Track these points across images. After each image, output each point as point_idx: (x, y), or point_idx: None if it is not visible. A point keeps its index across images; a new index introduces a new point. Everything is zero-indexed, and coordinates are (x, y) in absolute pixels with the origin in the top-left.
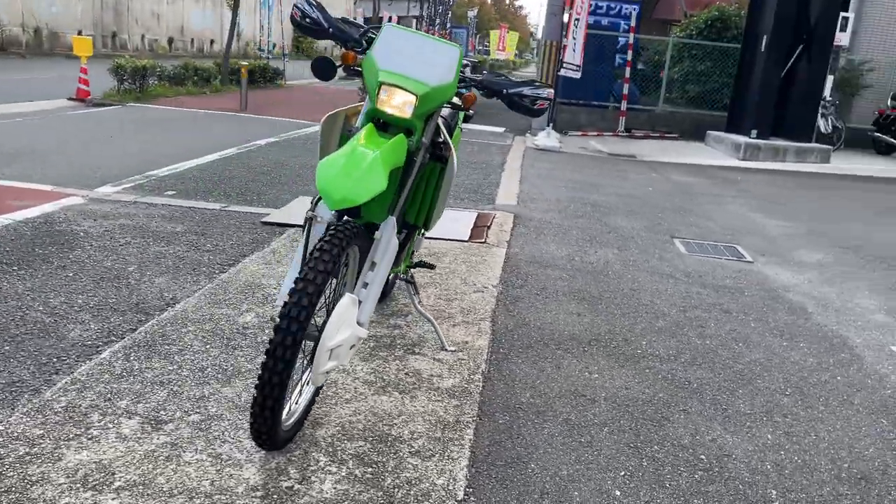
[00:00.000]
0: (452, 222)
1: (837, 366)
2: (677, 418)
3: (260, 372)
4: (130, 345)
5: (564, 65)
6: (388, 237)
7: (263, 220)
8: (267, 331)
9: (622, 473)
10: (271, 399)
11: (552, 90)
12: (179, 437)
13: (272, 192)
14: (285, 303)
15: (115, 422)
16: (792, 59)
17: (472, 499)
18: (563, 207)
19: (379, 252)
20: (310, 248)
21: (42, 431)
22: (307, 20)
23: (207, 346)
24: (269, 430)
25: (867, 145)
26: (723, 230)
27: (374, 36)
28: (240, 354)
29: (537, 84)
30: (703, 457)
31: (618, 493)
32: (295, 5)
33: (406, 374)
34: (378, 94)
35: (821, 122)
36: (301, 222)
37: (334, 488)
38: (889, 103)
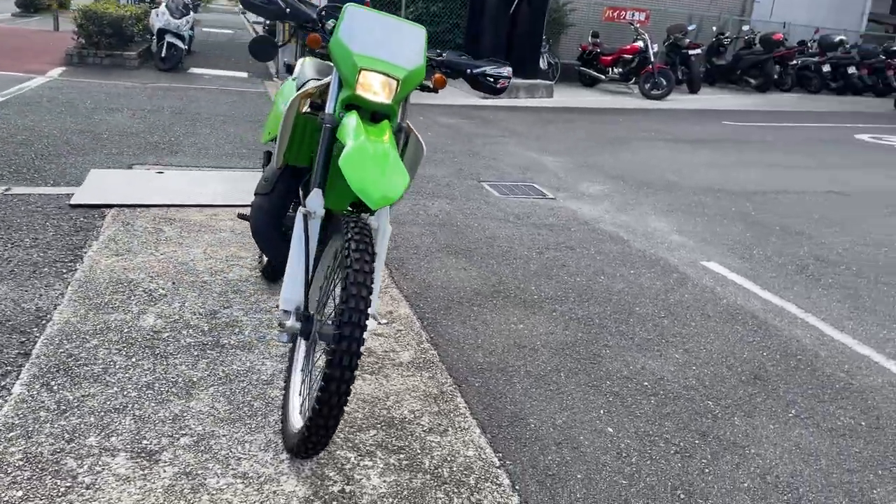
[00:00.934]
0: None
1: (678, 285)
2: (606, 353)
3: (323, 384)
4: (39, 373)
5: None
6: (384, 225)
7: (71, 202)
8: (185, 332)
9: (602, 412)
10: (337, 409)
11: (511, 68)
12: (187, 464)
13: (50, 166)
14: (342, 310)
15: (101, 463)
16: (516, 1)
17: (507, 462)
18: None
19: (378, 241)
20: (312, 245)
21: (21, 492)
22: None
23: (133, 360)
24: (325, 441)
25: (575, 78)
26: (514, 170)
27: (323, 15)
28: (177, 362)
29: (497, 62)
30: (646, 384)
31: (610, 430)
32: None
33: (362, 353)
34: (357, 80)
35: (539, 60)
36: (117, 201)
37: (384, 482)
38: (589, 40)
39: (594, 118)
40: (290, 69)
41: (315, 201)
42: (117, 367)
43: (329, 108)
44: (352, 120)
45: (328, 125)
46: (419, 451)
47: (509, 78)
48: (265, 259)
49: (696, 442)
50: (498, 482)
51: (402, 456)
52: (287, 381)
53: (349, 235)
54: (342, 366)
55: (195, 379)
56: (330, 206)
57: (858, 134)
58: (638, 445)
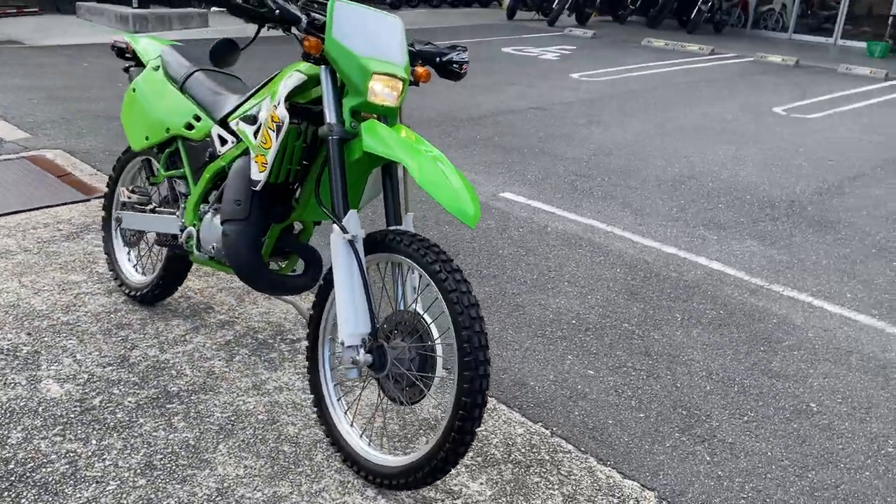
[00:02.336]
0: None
1: (506, 221)
2: (522, 302)
3: (459, 423)
4: None
5: None
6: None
7: None
8: (117, 391)
9: (569, 357)
10: (468, 447)
11: (467, 51)
12: None
13: None
14: (469, 335)
15: None
16: None
17: (553, 429)
18: (93, 126)
19: None
20: (364, 270)
21: None
22: (251, 2)
23: (94, 442)
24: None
25: None
26: None
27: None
28: (148, 430)
29: (457, 49)
30: (573, 321)
31: (590, 372)
32: None
33: None
34: (369, 86)
35: None
36: None
37: (481, 484)
38: None
39: (275, 48)
40: (121, 53)
41: (354, 224)
42: (83, 456)
43: (332, 118)
44: (378, 129)
45: (335, 136)
46: (480, 444)
47: (468, 62)
48: (129, 278)
49: (650, 362)
50: (566, 450)
51: (469, 454)
52: (325, 415)
53: (429, 258)
54: (482, 390)
55: (191, 442)
56: (308, 218)
57: (504, 47)
58: (620, 379)
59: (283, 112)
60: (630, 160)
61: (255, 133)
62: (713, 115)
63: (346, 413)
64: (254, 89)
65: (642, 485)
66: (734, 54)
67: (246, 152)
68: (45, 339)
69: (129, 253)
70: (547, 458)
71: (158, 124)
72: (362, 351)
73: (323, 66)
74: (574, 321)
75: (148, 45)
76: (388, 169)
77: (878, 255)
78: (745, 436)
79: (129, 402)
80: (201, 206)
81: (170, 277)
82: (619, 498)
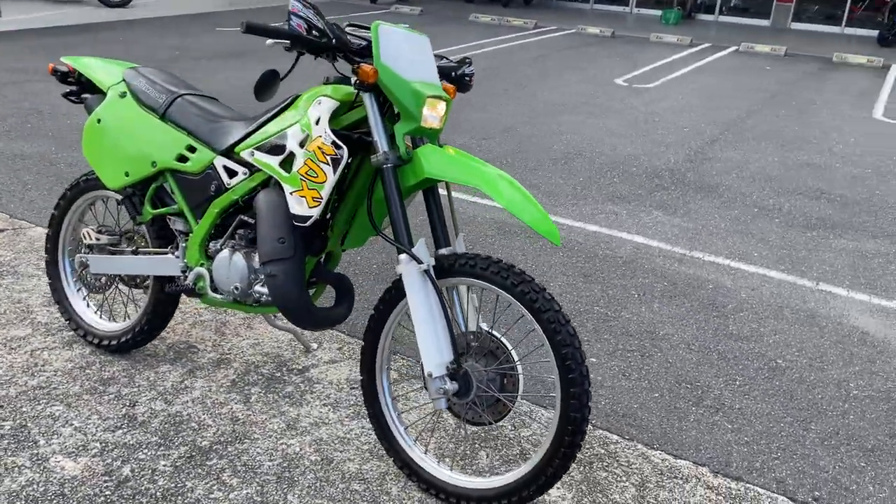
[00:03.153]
0: None
1: None
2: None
3: (569, 438)
4: None
5: None
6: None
7: None
8: (142, 456)
9: None
10: (575, 459)
11: (472, 64)
12: None
13: None
14: (569, 353)
15: None
16: None
17: (594, 422)
18: None
19: None
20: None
21: None
22: (314, 33)
23: None
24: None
25: None
26: None
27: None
28: (201, 494)
29: (465, 62)
30: None
31: (593, 360)
32: (294, 14)
33: (352, 388)
34: (422, 111)
35: None
36: None
37: (558, 489)
38: None
39: (96, 37)
40: (64, 77)
41: (425, 253)
42: None
43: (384, 146)
44: (434, 154)
45: (390, 165)
46: (534, 448)
47: (474, 73)
48: (95, 327)
49: (636, 342)
50: (614, 440)
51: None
52: (395, 447)
53: (512, 280)
54: (588, 405)
55: (255, 498)
56: (347, 247)
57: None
58: (621, 363)
59: (331, 140)
60: (517, 142)
61: (283, 164)
62: (566, 89)
63: (416, 441)
64: (265, 116)
65: (694, 462)
66: (555, 27)
67: (266, 184)
68: (24, 409)
69: (85, 299)
70: (602, 451)
71: (141, 158)
72: (447, 380)
73: (369, 93)
74: None
75: (102, 69)
76: (431, 190)
77: (761, 214)
78: (746, 399)
79: (164, 465)
80: (209, 243)
81: (157, 321)
82: (682, 479)
